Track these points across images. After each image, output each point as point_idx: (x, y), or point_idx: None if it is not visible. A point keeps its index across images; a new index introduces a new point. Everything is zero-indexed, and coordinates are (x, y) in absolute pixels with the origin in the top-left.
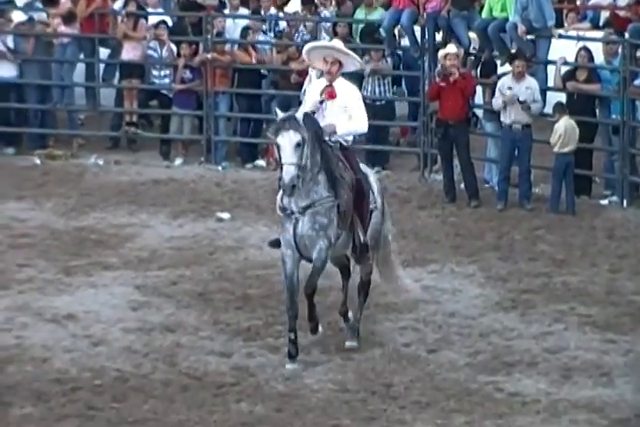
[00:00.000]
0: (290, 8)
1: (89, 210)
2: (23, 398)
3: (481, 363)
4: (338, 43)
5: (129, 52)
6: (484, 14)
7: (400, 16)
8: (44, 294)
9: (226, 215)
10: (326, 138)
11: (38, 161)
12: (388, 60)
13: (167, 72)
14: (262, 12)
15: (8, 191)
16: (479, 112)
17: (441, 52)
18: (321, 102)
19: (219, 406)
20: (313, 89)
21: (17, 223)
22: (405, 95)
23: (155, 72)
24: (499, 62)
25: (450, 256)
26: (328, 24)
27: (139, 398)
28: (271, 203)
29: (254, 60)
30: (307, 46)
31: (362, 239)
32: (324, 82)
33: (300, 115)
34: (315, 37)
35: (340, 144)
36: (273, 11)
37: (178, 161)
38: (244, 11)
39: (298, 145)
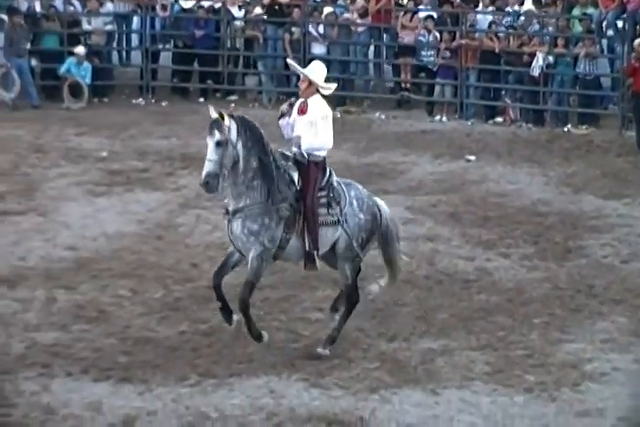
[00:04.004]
0: (525, 6)
1: (374, 151)
2: (325, 283)
3: None
4: (310, 69)
5: (405, 38)
6: None
7: (607, 13)
8: None
9: (472, 157)
10: (294, 149)
11: (338, 115)
12: (597, 46)
13: (432, 52)
14: (508, 8)
15: None
16: None
17: (636, 42)
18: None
19: (464, 296)
20: (296, 104)
21: None
22: (609, 72)
23: (423, 52)
24: None
25: None
26: (552, 20)
27: (407, 287)
28: (507, 150)
29: (496, 45)
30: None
31: (307, 248)
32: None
33: (228, 120)
34: (543, 27)
35: (296, 158)
36: (516, 7)
37: (438, 117)
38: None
39: (218, 144)
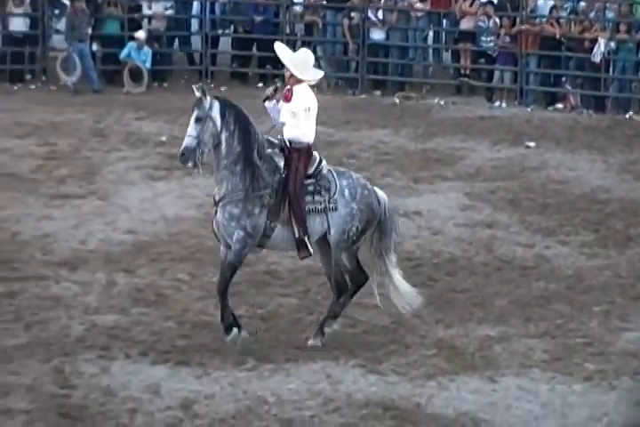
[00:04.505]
0: None
1: (432, 137)
2: None
3: None
4: (293, 57)
5: (465, 23)
6: None
7: None
8: (399, 196)
9: (532, 144)
10: (280, 136)
11: (397, 100)
12: None
13: (492, 38)
14: None
15: (376, 121)
16: None
17: None
18: (278, 102)
19: (523, 282)
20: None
21: (381, 145)
22: None
23: (483, 38)
24: None
25: None
26: (614, 5)
27: (464, 274)
28: (567, 136)
29: (557, 31)
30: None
31: (296, 235)
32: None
33: (210, 98)
34: (604, 13)
35: (284, 144)
36: None
37: (498, 103)
38: None
39: (197, 120)
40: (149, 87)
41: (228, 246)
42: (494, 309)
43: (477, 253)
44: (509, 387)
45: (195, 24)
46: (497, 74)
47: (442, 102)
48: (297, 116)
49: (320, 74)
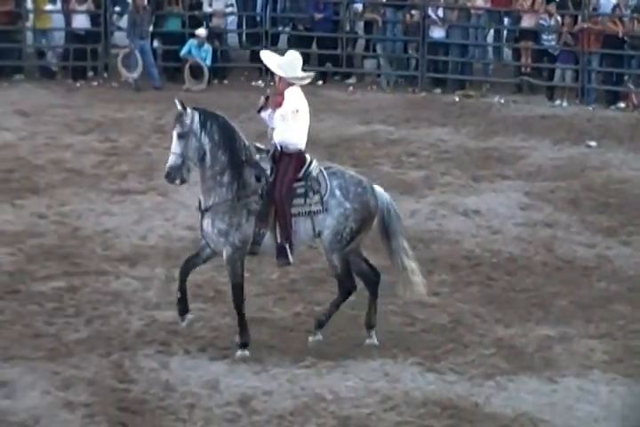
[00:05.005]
0: None
1: (493, 135)
2: (441, 268)
3: None
4: (281, 62)
5: (526, 21)
6: None
7: None
8: (458, 194)
9: (593, 143)
10: (271, 141)
11: (457, 99)
12: None
13: (553, 36)
14: None
15: (436, 120)
16: None
17: None
18: (274, 110)
19: (583, 283)
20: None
21: (441, 143)
22: None
23: (544, 36)
24: None
25: None
26: None
27: (524, 273)
28: (629, 135)
29: (620, 29)
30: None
31: (278, 240)
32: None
33: (190, 112)
34: None
35: (274, 149)
36: None
37: (559, 102)
38: None
39: (180, 136)
40: (209, 84)
41: (215, 252)
42: (554, 309)
43: (537, 252)
44: (569, 388)
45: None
46: (558, 72)
47: (502, 101)
48: (286, 120)
49: (309, 75)
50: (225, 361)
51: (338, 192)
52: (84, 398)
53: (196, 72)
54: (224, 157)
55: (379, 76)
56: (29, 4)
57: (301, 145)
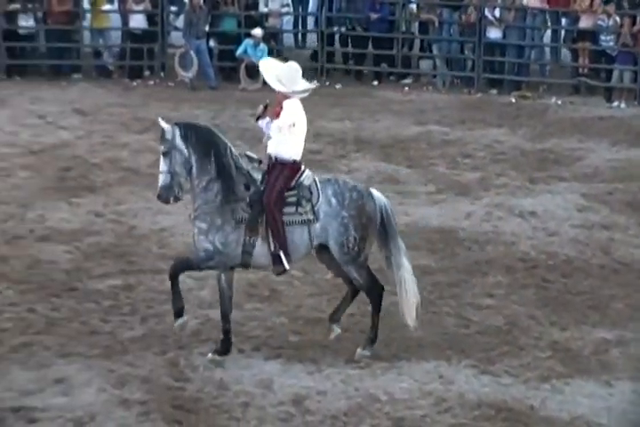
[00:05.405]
0: None
1: (549, 137)
2: (496, 269)
3: None
4: (279, 74)
5: (584, 22)
6: None
7: None
8: (514, 195)
9: None
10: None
11: (513, 100)
12: None
13: (611, 37)
14: None
15: (491, 121)
16: None
17: None
18: (272, 119)
19: None
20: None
21: (496, 144)
22: None
23: (602, 37)
24: None
25: None
26: None
27: (580, 276)
28: None
29: None
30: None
31: (272, 248)
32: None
33: (170, 128)
34: None
35: (268, 159)
36: None
37: (617, 103)
38: None
39: (165, 154)
40: (265, 84)
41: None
42: (611, 312)
43: (594, 255)
44: (626, 392)
45: (311, 22)
46: (616, 73)
47: (559, 102)
48: (282, 132)
49: (310, 86)
50: (279, 360)
51: (333, 200)
52: (139, 396)
53: (252, 72)
54: (212, 167)
55: (434, 76)
56: (87, 4)
57: (296, 157)
